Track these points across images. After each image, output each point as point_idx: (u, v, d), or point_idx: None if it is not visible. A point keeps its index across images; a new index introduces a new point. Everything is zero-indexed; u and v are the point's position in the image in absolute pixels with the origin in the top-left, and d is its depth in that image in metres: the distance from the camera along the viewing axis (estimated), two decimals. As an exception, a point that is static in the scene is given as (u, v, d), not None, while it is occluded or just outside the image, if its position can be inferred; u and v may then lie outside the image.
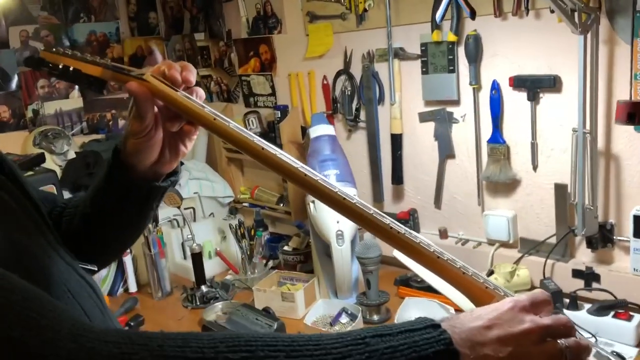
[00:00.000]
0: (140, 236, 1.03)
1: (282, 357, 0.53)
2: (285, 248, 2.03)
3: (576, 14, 1.35)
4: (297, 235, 2.06)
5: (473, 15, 1.47)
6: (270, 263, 2.06)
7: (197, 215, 2.24)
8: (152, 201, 0.90)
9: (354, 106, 1.96)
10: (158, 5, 2.47)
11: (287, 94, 2.16)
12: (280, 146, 2.12)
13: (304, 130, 2.05)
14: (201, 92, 0.83)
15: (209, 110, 0.79)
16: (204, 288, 1.90)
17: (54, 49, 0.84)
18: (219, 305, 1.79)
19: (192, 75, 0.82)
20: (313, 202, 1.72)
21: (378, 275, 1.70)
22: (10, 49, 2.08)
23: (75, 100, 2.26)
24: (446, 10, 1.55)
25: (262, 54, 2.19)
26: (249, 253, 1.99)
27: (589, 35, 1.39)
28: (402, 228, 0.73)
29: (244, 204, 2.35)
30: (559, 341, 0.60)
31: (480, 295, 0.71)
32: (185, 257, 2.11)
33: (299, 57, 2.08)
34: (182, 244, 2.11)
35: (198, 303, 1.87)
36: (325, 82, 2.02)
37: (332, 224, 1.69)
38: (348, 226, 1.68)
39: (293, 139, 2.10)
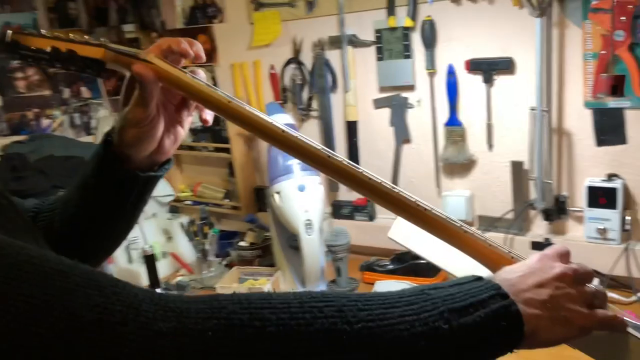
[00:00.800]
0: (132, 231, 0.95)
1: (358, 306, 0.54)
2: (242, 244, 1.97)
3: (533, -3, 1.43)
4: (252, 230, 2.00)
5: None
6: (225, 261, 1.99)
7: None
8: (148, 192, 0.84)
9: (305, 95, 1.94)
10: (78, -5, 2.30)
11: (230, 85, 2.10)
12: (227, 139, 2.05)
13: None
14: (202, 74, 0.78)
15: (222, 92, 0.74)
16: (159, 291, 1.79)
17: (35, 32, 0.76)
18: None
19: (202, 50, 0.77)
20: (278, 193, 1.67)
21: (347, 262, 1.70)
22: None
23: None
24: None
25: (202, 45, 2.10)
26: (203, 252, 1.91)
27: (544, 18, 1.48)
28: (427, 205, 0.75)
29: (186, 202, 2.25)
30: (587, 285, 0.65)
31: (507, 263, 0.74)
32: (130, 261, 1.99)
33: (242, 47, 2.02)
34: (127, 247, 1.99)
35: (154, 308, 1.77)
36: (272, 71, 1.98)
37: (300, 213, 1.66)
38: (315, 215, 1.66)
39: (239, 131, 2.04)
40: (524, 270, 0.63)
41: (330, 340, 0.52)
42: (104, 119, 2.39)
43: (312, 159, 0.73)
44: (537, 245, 1.67)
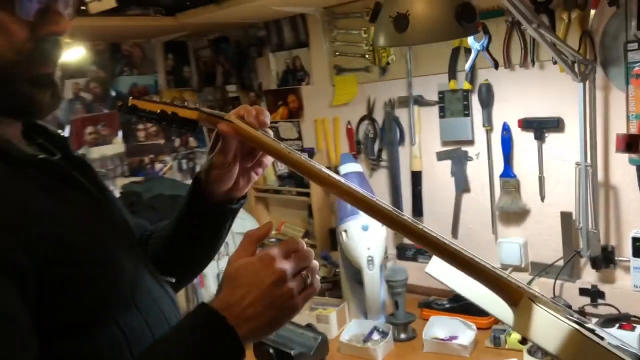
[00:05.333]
0: (216, 255, 1.20)
1: None
2: (315, 277, 2.20)
3: (576, 65, 1.60)
4: (324, 266, 2.24)
5: (496, 66, 1.75)
6: (300, 292, 2.23)
7: (229, 250, 2.42)
8: (227, 221, 1.06)
9: (376, 147, 2.19)
10: (192, 60, 2.73)
11: (312, 138, 2.39)
12: (307, 185, 2.33)
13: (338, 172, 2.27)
14: (270, 132, 0.97)
15: (283, 145, 0.93)
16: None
17: (147, 98, 1.04)
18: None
19: (267, 118, 0.96)
20: (345, 231, 1.91)
21: (404, 297, 1.88)
22: (64, 99, 2.30)
23: (117, 146, 2.47)
24: (474, 61, 1.84)
25: (290, 103, 2.43)
26: (281, 282, 2.16)
27: (587, 83, 1.64)
28: (452, 242, 0.93)
29: (271, 239, 2.53)
30: (302, 273, 0.79)
31: (512, 293, 0.91)
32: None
33: (324, 105, 2.32)
34: (218, 275, 2.28)
35: (236, 328, 2.03)
36: (349, 126, 2.26)
37: (363, 250, 1.88)
38: (377, 252, 1.88)
39: (319, 178, 2.31)
40: (244, 290, 0.75)
41: None
42: (207, 165, 2.76)
43: (351, 197, 0.89)
44: (584, 292, 1.77)
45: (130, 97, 1.01)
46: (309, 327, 1.70)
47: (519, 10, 1.44)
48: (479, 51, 1.81)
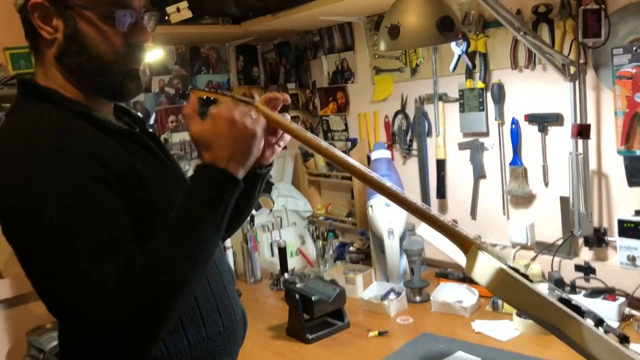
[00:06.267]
0: (246, 219, 1.46)
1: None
2: (351, 249, 2.56)
3: (566, 67, 1.85)
4: (361, 240, 2.58)
5: (474, 67, 2.13)
6: (339, 263, 2.58)
7: (283, 224, 2.82)
8: (257, 184, 1.28)
9: (407, 138, 2.50)
10: (260, 61, 3.16)
11: (356, 130, 2.74)
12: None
13: (369, 158, 2.60)
14: (288, 115, 1.23)
15: (297, 125, 1.22)
16: (286, 275, 2.44)
17: (200, 88, 1.40)
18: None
19: (286, 101, 1.22)
20: (371, 206, 2.25)
21: (420, 265, 2.19)
22: (152, 93, 2.79)
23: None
24: (457, 64, 2.18)
25: (339, 99, 2.79)
26: (322, 251, 2.53)
27: (578, 83, 1.88)
28: (429, 208, 1.25)
29: (320, 218, 2.91)
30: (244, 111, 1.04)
31: (464, 242, 1.23)
32: (272, 255, 2.68)
33: (366, 101, 2.66)
34: (271, 244, 2.69)
35: (281, 287, 2.42)
36: (386, 119, 2.59)
37: (385, 223, 2.21)
38: (397, 225, 2.20)
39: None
40: (216, 144, 1.00)
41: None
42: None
43: (361, 177, 1.16)
44: (578, 268, 2.00)
45: (190, 87, 1.38)
46: (332, 282, 2.06)
47: (508, 21, 1.72)
48: (459, 55, 2.10)
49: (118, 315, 0.86)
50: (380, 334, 1.90)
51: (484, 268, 1.31)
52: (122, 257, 0.89)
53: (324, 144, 1.24)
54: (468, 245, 1.37)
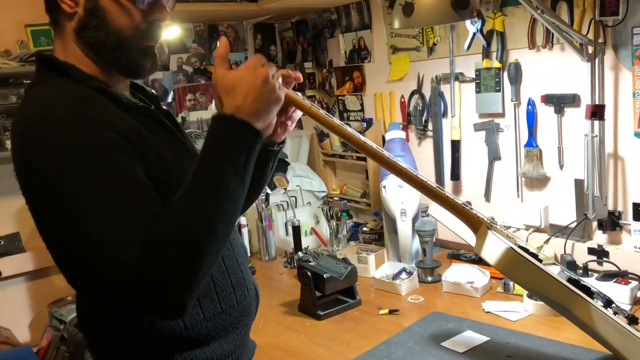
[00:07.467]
0: (259, 196, 1.49)
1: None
2: (364, 229, 2.57)
3: (584, 46, 1.82)
4: (374, 220, 2.59)
5: (488, 45, 2.11)
6: (352, 243, 2.60)
7: (298, 203, 2.84)
8: (270, 161, 1.31)
9: (423, 119, 2.49)
10: (277, 40, 3.16)
11: (372, 110, 2.74)
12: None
13: (384, 138, 2.60)
14: (300, 94, 1.26)
15: (309, 102, 1.26)
16: (300, 254, 2.47)
17: (212, 64, 1.43)
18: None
19: (300, 76, 1.26)
20: (384, 187, 2.25)
21: (432, 245, 2.19)
22: (170, 71, 2.81)
23: (211, 112, 2.95)
24: (471, 42, 2.15)
25: (355, 79, 2.78)
26: (336, 231, 2.55)
27: (596, 63, 1.85)
28: (441, 188, 1.28)
29: (335, 198, 2.92)
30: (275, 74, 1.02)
31: (474, 221, 1.26)
32: (287, 234, 2.70)
33: (383, 81, 2.65)
34: (286, 223, 2.71)
35: (295, 265, 2.44)
36: (402, 100, 2.57)
37: (398, 204, 2.21)
38: (409, 206, 2.20)
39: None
40: (243, 94, 0.98)
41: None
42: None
43: (377, 158, 1.27)
44: (591, 251, 1.99)
45: (205, 63, 1.42)
46: (344, 260, 2.07)
47: (525, -1, 1.70)
48: (474, 34, 2.08)
49: (147, 270, 0.87)
50: (391, 312, 1.91)
51: (493, 247, 1.32)
52: (148, 217, 0.90)
53: (337, 121, 1.27)
54: (478, 225, 1.39)
